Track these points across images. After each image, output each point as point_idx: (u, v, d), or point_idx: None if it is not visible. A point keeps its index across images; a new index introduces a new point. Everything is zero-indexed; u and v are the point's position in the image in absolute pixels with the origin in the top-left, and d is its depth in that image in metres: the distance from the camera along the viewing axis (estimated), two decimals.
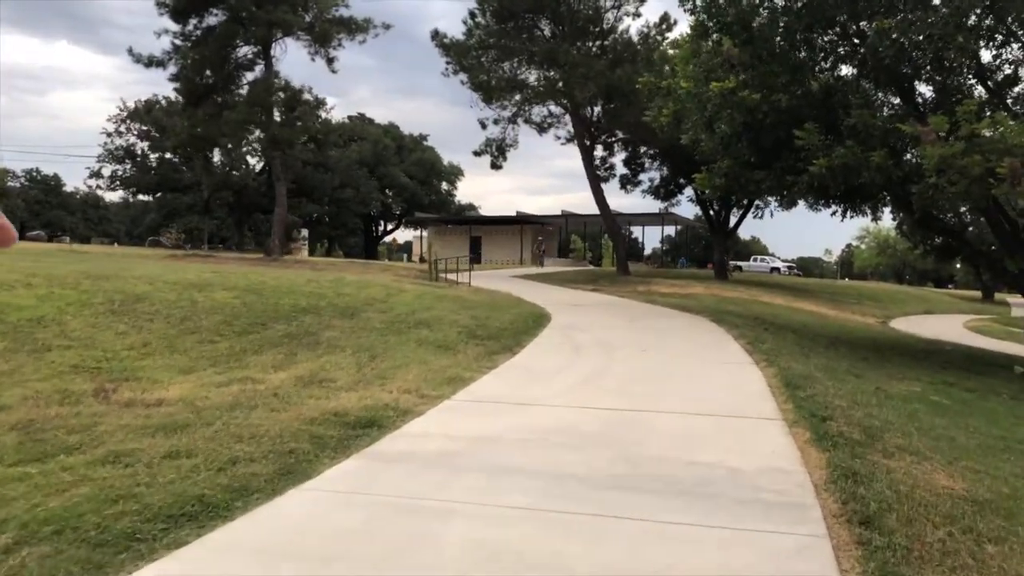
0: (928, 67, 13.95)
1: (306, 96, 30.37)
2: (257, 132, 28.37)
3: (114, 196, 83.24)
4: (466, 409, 6.76)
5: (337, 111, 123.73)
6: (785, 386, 7.97)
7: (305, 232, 64.25)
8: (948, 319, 30.62)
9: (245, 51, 29.40)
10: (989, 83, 14.51)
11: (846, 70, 16.05)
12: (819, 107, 14.74)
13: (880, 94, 15.61)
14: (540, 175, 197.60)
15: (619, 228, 35.11)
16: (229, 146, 48.17)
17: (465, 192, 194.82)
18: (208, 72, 28.40)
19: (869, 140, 13.09)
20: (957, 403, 9.44)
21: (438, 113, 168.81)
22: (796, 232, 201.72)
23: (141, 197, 67.39)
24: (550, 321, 13.62)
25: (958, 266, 69.35)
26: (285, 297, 11.97)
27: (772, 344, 11.55)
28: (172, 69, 28.44)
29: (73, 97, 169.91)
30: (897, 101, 14.49)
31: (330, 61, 30.47)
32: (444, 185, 67.04)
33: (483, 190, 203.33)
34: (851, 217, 16.11)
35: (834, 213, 15.69)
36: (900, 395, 9.16)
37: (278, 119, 28.73)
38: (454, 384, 7.67)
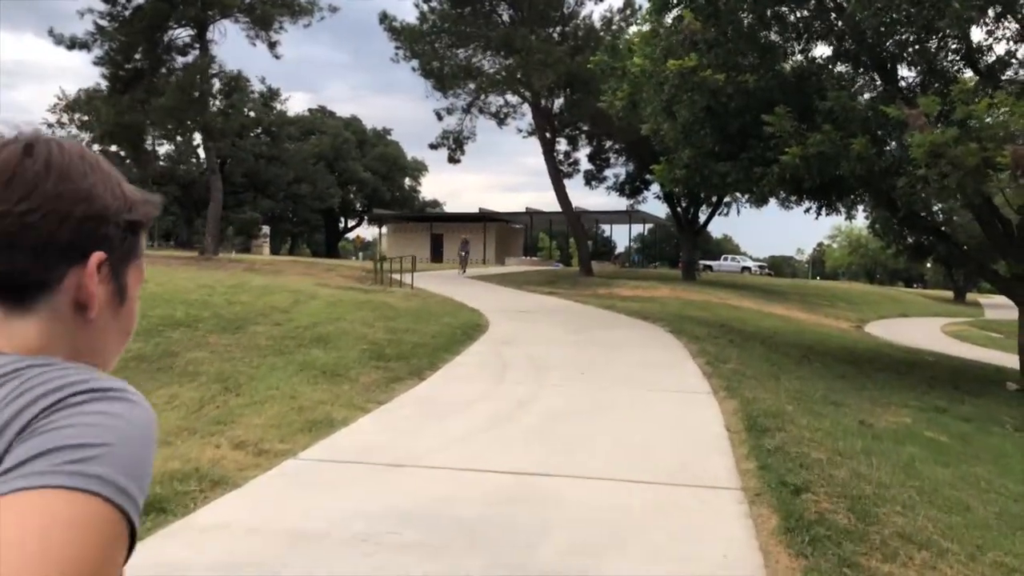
0: (915, 45, 12.33)
1: (252, 85, 28.33)
2: (204, 121, 25.92)
3: None
4: (309, 475, 4.90)
5: (306, 106, 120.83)
6: (748, 429, 6.22)
7: (266, 230, 61.72)
8: (924, 323, 29.34)
9: (180, 33, 27.21)
10: (980, 66, 12.93)
11: (821, 50, 14.46)
12: (792, 91, 13.09)
13: (860, 78, 14.01)
14: (516, 172, 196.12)
15: (582, 226, 33.39)
16: (178, 138, 45.80)
17: (440, 190, 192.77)
18: (137, 56, 26.17)
19: (848, 126, 11.44)
20: (957, 440, 7.78)
21: (413, 109, 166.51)
22: (768, 231, 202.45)
23: None
24: (485, 332, 11.81)
25: (928, 266, 68.84)
26: (160, 307, 10.00)
27: (737, 363, 9.84)
28: (98, 52, 26.18)
29: (45, 91, 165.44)
30: (879, 84, 12.85)
31: (272, 46, 28.36)
32: (407, 181, 64.94)
33: (455, 188, 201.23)
34: (826, 215, 14.48)
35: (808, 210, 14.07)
36: (889, 432, 7.48)
37: (217, 107, 26.58)
38: (316, 431, 5.81)
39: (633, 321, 14.79)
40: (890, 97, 11.47)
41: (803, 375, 10.47)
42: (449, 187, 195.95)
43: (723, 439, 5.95)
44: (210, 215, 26.37)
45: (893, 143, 11.66)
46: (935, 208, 15.79)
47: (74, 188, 0.74)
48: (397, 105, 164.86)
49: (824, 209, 14.08)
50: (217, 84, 26.59)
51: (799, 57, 14.48)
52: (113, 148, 31.80)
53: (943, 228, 14.55)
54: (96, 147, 33.78)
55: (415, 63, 27.45)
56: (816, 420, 7.16)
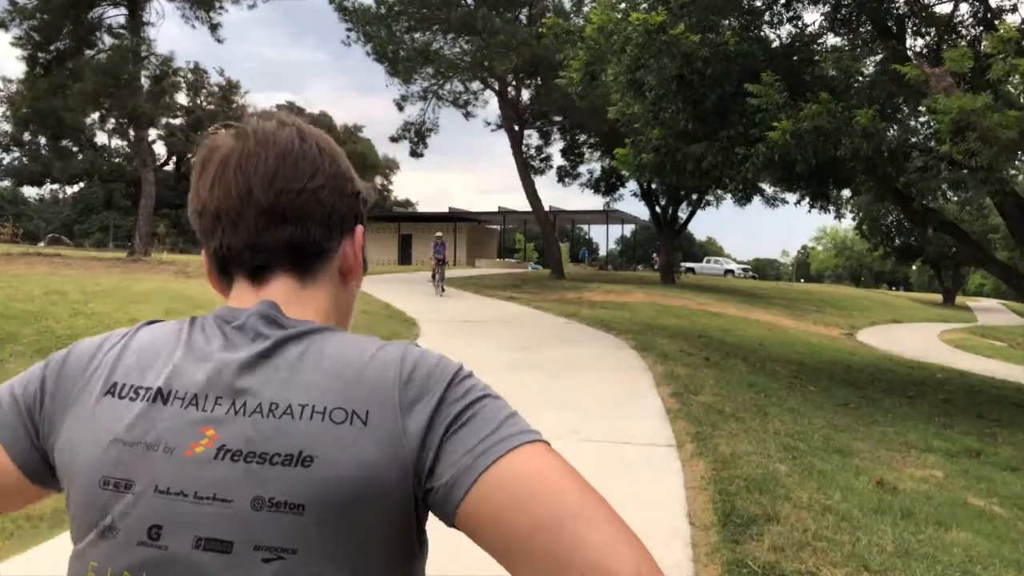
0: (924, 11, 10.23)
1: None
2: (131, 107, 23.44)
3: (36, 190, 76.09)
4: None
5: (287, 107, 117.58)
6: (722, 523, 4.01)
7: None
8: (919, 329, 27.33)
9: (111, 13, 24.76)
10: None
11: (813, 16, 12.31)
12: (780, 59, 10.97)
13: (860, 50, 11.90)
14: (509, 174, 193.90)
15: (552, 225, 31.15)
16: (131, 131, 43.15)
17: (424, 192, 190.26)
18: (62, 37, 23.71)
19: (850, 95, 9.33)
20: (1014, 509, 5.62)
21: (391, 108, 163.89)
22: (752, 232, 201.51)
23: (70, 189, 61.67)
24: None
25: (914, 268, 67.26)
26: None
27: (712, 393, 7.64)
28: (16, 31, 23.67)
29: None
30: (882, 52, 10.71)
31: (213, 28, 25.98)
32: (379, 180, 62.37)
33: (441, 189, 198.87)
34: (820, 210, 12.34)
35: (799, 202, 11.90)
36: (920, 499, 5.29)
37: (147, 92, 24.11)
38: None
39: (594, 334, 12.57)
40: (900, 59, 9.33)
41: (795, 405, 8.28)
42: (436, 187, 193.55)
43: (682, 548, 3.71)
44: (141, 212, 23.90)
45: (908, 119, 9.46)
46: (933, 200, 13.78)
47: (342, 168, 0.85)
48: (375, 104, 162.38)
49: (818, 201, 11.92)
50: (152, 70, 24.08)
51: (788, 27, 12.38)
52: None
53: (958, 225, 12.42)
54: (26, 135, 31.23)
55: (369, 47, 25.15)
56: (821, 488, 4.97)
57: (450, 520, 0.70)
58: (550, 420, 6.27)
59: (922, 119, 10.96)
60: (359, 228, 0.86)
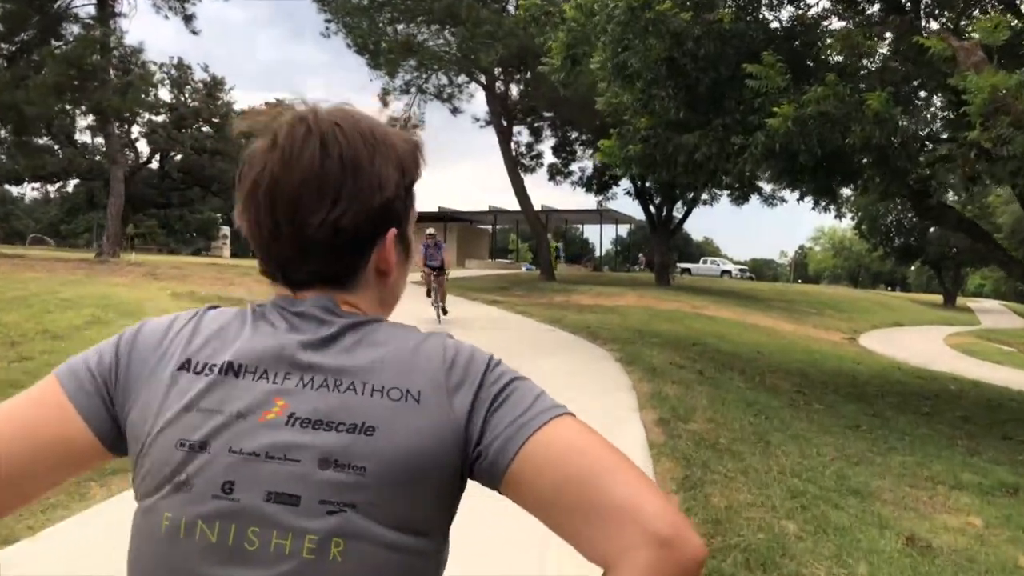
0: None
1: (150, 62, 24.71)
2: (96, 101, 22.30)
3: (30, 190, 74.26)
4: None
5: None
6: None
7: (227, 231, 57.95)
8: (923, 333, 26.29)
9: (79, 2, 23.62)
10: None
11: None
12: (781, 39, 9.93)
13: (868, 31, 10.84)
14: (498, 171, 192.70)
15: (542, 225, 30.06)
16: (116, 127, 41.95)
17: (433, 192, 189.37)
18: (28, 27, 22.57)
19: (856, 78, 8.28)
20: None
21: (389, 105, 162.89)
22: (749, 233, 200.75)
23: (52, 188, 60.17)
24: None
25: (912, 269, 66.26)
26: None
27: (704, 419, 6.57)
28: None
29: None
30: (898, 27, 9.62)
31: (188, 19, 24.87)
32: None
33: (428, 187, 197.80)
34: (823, 208, 11.28)
35: (801, 198, 10.84)
36: (963, 564, 4.24)
37: (114, 84, 22.97)
38: None
39: (577, 343, 11.49)
40: (916, 31, 8.26)
41: (801, 430, 7.22)
42: (421, 186, 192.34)
43: None
44: (109, 211, 22.78)
45: (925, 104, 8.40)
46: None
47: (367, 179, 0.85)
48: (371, 102, 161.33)
49: (823, 199, 10.85)
50: (120, 62, 22.93)
51: (790, 8, 11.31)
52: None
53: (977, 224, 11.34)
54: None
55: (349, 39, 24.06)
56: (840, 555, 3.91)
57: (498, 481, 0.80)
58: None
59: (938, 103, 9.91)
60: (390, 233, 0.89)
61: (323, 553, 0.75)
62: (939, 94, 8.84)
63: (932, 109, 10.00)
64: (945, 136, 9.64)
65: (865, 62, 8.61)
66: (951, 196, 15.82)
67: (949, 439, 8.14)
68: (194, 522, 0.76)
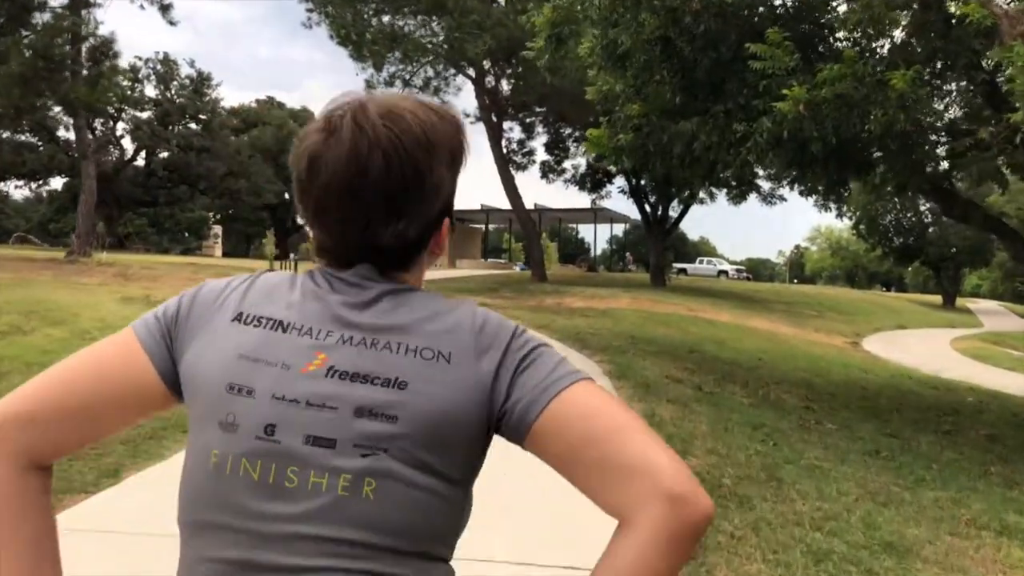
0: None
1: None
2: (64, 92, 21.29)
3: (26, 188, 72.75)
4: None
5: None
6: None
7: (217, 229, 56.88)
8: (927, 336, 25.37)
9: None
10: None
11: None
12: (788, 19, 8.97)
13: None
14: (492, 168, 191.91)
15: (533, 224, 29.07)
16: (99, 123, 40.87)
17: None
18: None
19: (874, 57, 7.32)
20: None
21: None
22: (747, 232, 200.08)
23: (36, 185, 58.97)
24: None
25: (909, 269, 65.38)
26: None
27: (705, 452, 5.60)
28: None
29: None
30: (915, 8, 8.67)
31: (165, 9, 23.85)
32: None
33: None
34: (834, 204, 10.31)
35: (808, 194, 9.88)
36: None
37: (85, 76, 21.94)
38: None
39: (563, 352, 10.52)
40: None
41: (815, 458, 6.26)
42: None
43: None
44: (80, 209, 21.78)
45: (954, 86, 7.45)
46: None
47: (428, 191, 0.91)
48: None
49: (831, 194, 9.90)
50: (89, 53, 21.90)
51: None
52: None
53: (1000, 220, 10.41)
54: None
55: (332, 30, 23.05)
56: None
57: (523, 436, 0.87)
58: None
59: (955, 87, 8.95)
60: (445, 223, 0.97)
61: (356, 491, 0.81)
62: (963, 76, 7.87)
63: (952, 95, 9.05)
64: (964, 127, 8.73)
65: (884, 40, 7.66)
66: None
67: (981, 465, 7.19)
68: (239, 460, 0.83)
